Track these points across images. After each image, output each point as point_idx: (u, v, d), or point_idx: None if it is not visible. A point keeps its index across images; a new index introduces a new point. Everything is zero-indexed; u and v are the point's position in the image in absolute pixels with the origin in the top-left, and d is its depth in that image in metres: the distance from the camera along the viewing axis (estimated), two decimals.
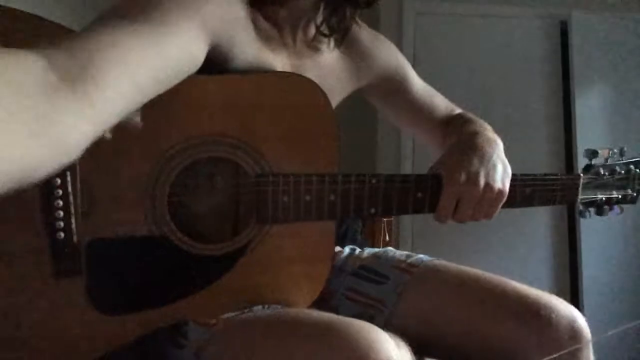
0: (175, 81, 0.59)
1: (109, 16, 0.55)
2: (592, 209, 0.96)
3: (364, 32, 0.92)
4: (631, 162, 0.97)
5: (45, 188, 0.63)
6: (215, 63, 0.68)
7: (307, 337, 0.62)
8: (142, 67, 0.52)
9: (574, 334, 0.75)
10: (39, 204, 0.63)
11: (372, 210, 0.77)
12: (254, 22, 0.74)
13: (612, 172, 0.95)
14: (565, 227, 2.91)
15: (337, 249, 1.00)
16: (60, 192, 0.63)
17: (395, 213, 0.79)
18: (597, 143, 2.85)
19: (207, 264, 0.69)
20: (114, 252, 0.66)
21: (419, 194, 0.79)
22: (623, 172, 0.95)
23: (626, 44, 3.00)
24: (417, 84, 1.00)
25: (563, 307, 0.77)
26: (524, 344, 0.75)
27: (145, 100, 0.55)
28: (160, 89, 0.57)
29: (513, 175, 0.83)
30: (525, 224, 2.78)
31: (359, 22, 0.90)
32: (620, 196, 0.97)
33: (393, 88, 0.97)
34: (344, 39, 0.85)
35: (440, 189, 0.80)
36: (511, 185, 0.82)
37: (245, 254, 0.70)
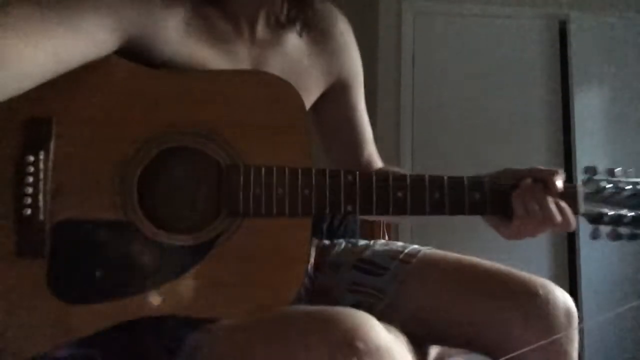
0: (79, 63, 0.65)
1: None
2: (601, 227, 0.80)
3: (338, 27, 0.90)
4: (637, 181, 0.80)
5: (18, 164, 0.64)
6: (139, 54, 0.71)
7: (297, 329, 0.63)
8: (43, 42, 0.60)
9: (568, 313, 0.79)
10: (9, 180, 0.63)
11: (349, 208, 0.73)
12: (203, 19, 0.76)
13: (617, 188, 0.79)
14: None
15: (327, 242, 1.00)
16: (32, 169, 0.64)
17: (376, 212, 0.74)
18: (596, 143, 2.86)
19: (174, 255, 0.67)
20: (79, 236, 0.65)
21: (399, 193, 0.74)
22: (630, 187, 0.79)
23: (625, 44, 3.00)
24: (362, 103, 0.99)
25: (558, 290, 0.82)
26: (522, 320, 0.78)
27: (47, 75, 0.62)
28: (60, 67, 0.63)
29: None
30: None
31: (338, 13, 0.90)
32: (635, 214, 0.79)
33: (343, 94, 0.95)
34: (305, 27, 0.84)
35: (423, 189, 0.74)
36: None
37: (214, 247, 0.67)
